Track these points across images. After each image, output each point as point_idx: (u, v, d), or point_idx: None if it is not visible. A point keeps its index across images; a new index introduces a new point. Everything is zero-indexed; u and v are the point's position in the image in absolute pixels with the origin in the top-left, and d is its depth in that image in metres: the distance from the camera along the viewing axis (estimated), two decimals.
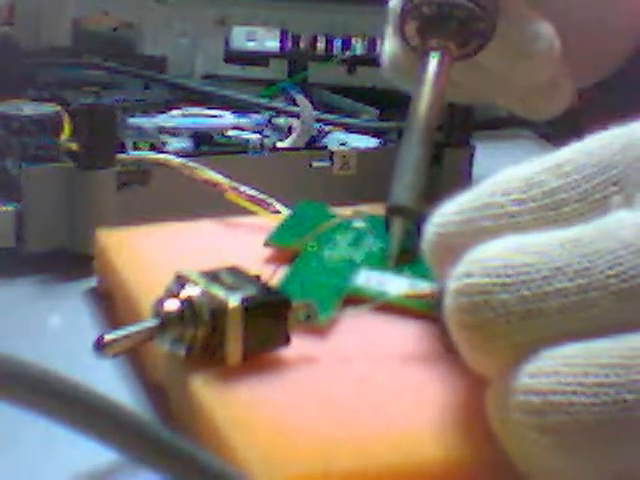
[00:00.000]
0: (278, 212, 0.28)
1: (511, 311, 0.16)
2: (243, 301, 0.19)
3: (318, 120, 0.36)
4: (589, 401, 0.15)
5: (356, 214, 0.28)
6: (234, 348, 0.19)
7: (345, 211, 0.28)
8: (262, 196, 0.28)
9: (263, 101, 0.38)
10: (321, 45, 0.44)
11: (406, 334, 0.22)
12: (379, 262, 0.24)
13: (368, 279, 0.23)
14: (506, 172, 0.18)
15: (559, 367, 0.15)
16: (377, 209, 0.27)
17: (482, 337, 0.16)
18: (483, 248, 0.16)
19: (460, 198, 0.18)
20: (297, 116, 0.35)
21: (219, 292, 0.19)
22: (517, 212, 0.17)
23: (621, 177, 0.17)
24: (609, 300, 0.16)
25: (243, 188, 0.28)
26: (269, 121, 0.36)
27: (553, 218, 0.17)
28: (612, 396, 0.15)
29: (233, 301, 0.19)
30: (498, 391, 0.16)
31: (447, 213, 0.18)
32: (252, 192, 0.28)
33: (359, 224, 0.27)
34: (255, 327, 0.19)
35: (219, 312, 0.19)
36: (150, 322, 0.19)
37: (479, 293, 0.16)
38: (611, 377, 0.15)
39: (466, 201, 0.18)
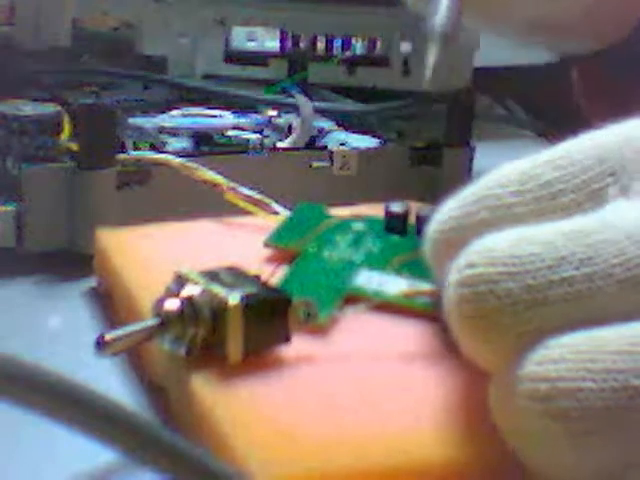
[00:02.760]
0: (277, 213, 0.28)
1: (517, 300, 0.16)
2: (243, 299, 0.19)
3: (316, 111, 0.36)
4: (597, 387, 0.15)
5: (355, 216, 0.27)
6: (235, 346, 0.19)
7: (344, 212, 0.28)
8: (261, 197, 0.28)
9: (262, 97, 0.38)
10: (321, 45, 0.44)
11: (407, 333, 0.22)
12: (379, 263, 0.24)
13: (368, 279, 0.23)
14: (503, 167, 0.18)
15: (566, 354, 0.15)
16: (377, 209, 0.27)
17: (487, 326, 0.16)
18: (486, 240, 0.17)
19: (459, 194, 0.18)
20: (298, 112, 0.35)
21: (219, 290, 0.19)
22: (514, 203, 0.17)
23: (617, 168, 0.17)
24: (614, 288, 0.16)
25: (242, 189, 0.28)
26: (269, 121, 0.36)
27: (550, 209, 0.17)
28: (620, 382, 0.15)
29: (233, 299, 0.19)
30: (501, 383, 0.16)
31: (447, 209, 0.18)
32: (251, 193, 0.28)
33: (359, 226, 0.27)
34: (256, 325, 0.19)
35: (220, 310, 0.19)
36: (150, 321, 0.19)
37: (484, 283, 0.16)
38: (618, 363, 0.15)
39: (464, 196, 0.18)
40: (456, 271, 0.16)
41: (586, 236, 0.16)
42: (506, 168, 0.18)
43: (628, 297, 0.16)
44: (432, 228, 0.18)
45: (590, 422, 0.15)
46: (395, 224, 0.26)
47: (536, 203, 0.17)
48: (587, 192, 0.17)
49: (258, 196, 0.28)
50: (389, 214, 0.26)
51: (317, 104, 0.37)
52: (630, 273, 0.16)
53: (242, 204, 0.28)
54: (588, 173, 0.17)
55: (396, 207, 0.26)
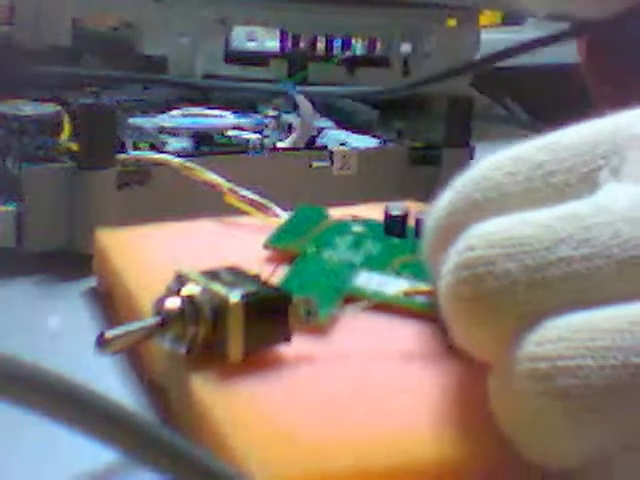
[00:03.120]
0: (276, 215, 0.28)
1: (515, 280, 0.16)
2: (244, 297, 0.19)
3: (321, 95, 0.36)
4: (598, 365, 0.15)
5: (355, 218, 0.27)
6: (235, 344, 0.19)
7: (344, 212, 0.28)
8: (260, 199, 0.28)
9: (259, 87, 0.38)
10: (321, 45, 0.45)
11: (406, 333, 0.22)
12: (378, 265, 0.24)
13: (368, 280, 0.23)
14: (497, 153, 0.18)
15: (564, 334, 0.15)
16: (376, 209, 0.27)
17: (485, 308, 0.16)
18: (484, 224, 0.17)
19: (455, 181, 0.19)
20: (298, 112, 0.35)
21: (220, 289, 0.19)
22: (507, 184, 0.18)
23: (608, 153, 0.18)
24: (612, 268, 0.16)
25: (242, 191, 0.28)
26: (276, 118, 0.36)
27: (543, 190, 0.18)
28: (620, 360, 0.15)
29: (234, 297, 0.19)
30: (499, 370, 0.16)
31: (443, 197, 0.18)
32: (250, 195, 0.28)
33: (358, 228, 0.27)
34: (256, 323, 0.19)
35: (220, 308, 0.19)
36: (151, 320, 0.19)
37: (483, 264, 0.16)
38: (618, 342, 0.15)
39: (460, 181, 0.18)
40: (455, 255, 0.16)
41: (582, 219, 0.16)
42: (500, 154, 0.18)
43: (626, 278, 0.16)
44: (430, 218, 0.19)
45: (590, 399, 0.15)
46: (394, 227, 0.26)
47: (527, 183, 0.18)
48: (579, 174, 0.18)
49: (258, 198, 0.28)
50: (388, 217, 0.27)
51: (309, 88, 0.37)
52: (627, 254, 0.16)
53: (242, 206, 0.28)
54: (580, 156, 0.18)
55: (395, 210, 0.27)
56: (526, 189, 0.18)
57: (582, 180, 0.18)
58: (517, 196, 0.18)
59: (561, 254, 0.16)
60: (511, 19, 0.62)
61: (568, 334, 0.15)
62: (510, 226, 0.16)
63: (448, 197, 0.18)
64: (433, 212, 0.19)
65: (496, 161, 0.18)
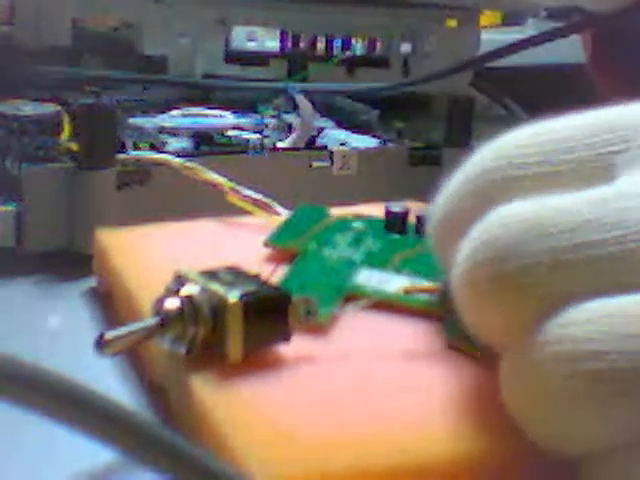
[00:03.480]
0: (278, 214, 0.28)
1: (539, 262, 0.15)
2: (243, 296, 0.19)
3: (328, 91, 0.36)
4: (626, 349, 0.15)
5: (355, 216, 0.27)
6: (235, 344, 0.19)
7: (344, 211, 0.28)
8: (262, 198, 0.28)
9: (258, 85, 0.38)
10: (321, 45, 0.45)
11: (407, 331, 0.22)
12: (379, 262, 0.24)
13: (368, 278, 0.23)
14: (519, 129, 0.18)
15: (593, 317, 0.15)
16: (377, 209, 0.27)
17: (507, 287, 0.16)
18: (504, 208, 0.16)
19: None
20: (298, 112, 0.35)
21: (218, 289, 0.19)
22: (530, 154, 0.17)
23: (630, 137, 0.17)
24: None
25: (243, 190, 0.28)
26: (276, 118, 0.36)
27: (557, 162, 0.17)
28: None
29: (233, 297, 0.19)
30: (516, 356, 0.16)
31: (452, 183, 0.18)
32: (252, 194, 0.28)
33: (358, 225, 0.27)
34: (255, 322, 0.19)
35: (219, 308, 0.19)
36: (150, 321, 0.19)
37: (504, 246, 0.16)
38: None
39: (476, 156, 0.18)
40: (473, 240, 0.16)
41: (608, 203, 0.16)
42: (522, 130, 0.18)
43: None
44: (442, 202, 0.18)
45: (619, 384, 0.15)
46: (395, 224, 0.26)
47: (543, 155, 0.17)
48: (596, 153, 0.17)
49: (259, 197, 0.28)
50: (389, 214, 0.27)
51: (308, 85, 0.37)
52: None
53: (243, 205, 0.28)
54: (601, 136, 0.17)
55: (396, 207, 0.27)
56: (542, 160, 0.17)
57: (600, 159, 0.17)
58: (532, 170, 0.17)
59: (585, 237, 0.15)
60: (511, 19, 0.62)
61: (596, 317, 0.15)
62: (532, 209, 0.16)
63: (464, 178, 0.18)
64: (444, 197, 0.18)
65: (521, 136, 0.18)
